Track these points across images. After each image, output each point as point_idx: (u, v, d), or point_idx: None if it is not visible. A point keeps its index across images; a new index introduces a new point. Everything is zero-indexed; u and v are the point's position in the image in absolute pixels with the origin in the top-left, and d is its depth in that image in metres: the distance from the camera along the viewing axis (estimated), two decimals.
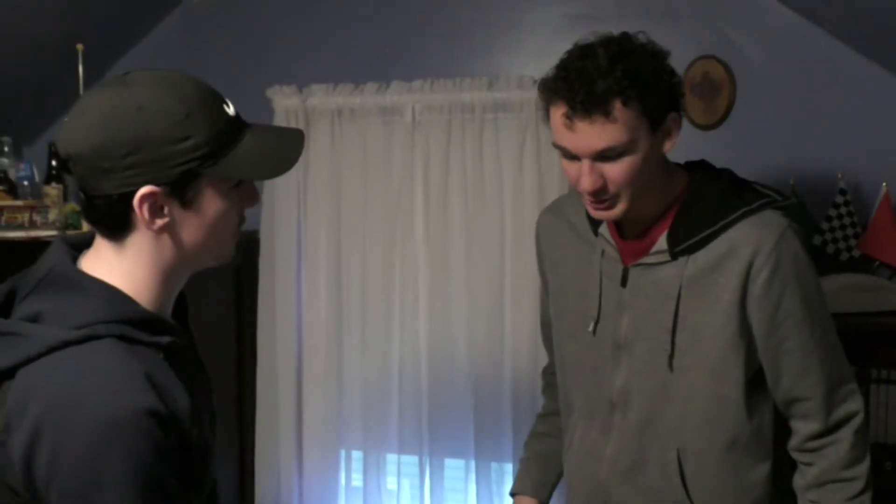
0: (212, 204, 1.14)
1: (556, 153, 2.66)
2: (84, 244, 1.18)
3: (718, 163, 2.63)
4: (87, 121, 1.08)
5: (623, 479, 1.57)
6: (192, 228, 1.15)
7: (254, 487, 3.03)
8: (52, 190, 2.67)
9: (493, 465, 2.85)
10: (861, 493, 1.51)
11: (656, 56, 1.43)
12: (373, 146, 2.89)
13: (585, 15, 2.75)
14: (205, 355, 2.95)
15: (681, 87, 1.48)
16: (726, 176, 1.57)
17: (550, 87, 1.42)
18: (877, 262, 2.50)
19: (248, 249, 3.02)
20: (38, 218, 2.61)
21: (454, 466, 2.92)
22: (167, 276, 1.18)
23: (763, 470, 1.56)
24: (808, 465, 1.54)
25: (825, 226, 2.49)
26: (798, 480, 1.56)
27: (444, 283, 2.84)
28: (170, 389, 1.08)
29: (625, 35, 1.43)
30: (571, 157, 1.44)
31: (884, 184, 2.44)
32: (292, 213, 2.97)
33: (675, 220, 1.50)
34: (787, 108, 2.62)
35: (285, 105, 2.93)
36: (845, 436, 1.52)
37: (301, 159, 2.87)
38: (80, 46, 2.47)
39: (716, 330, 1.48)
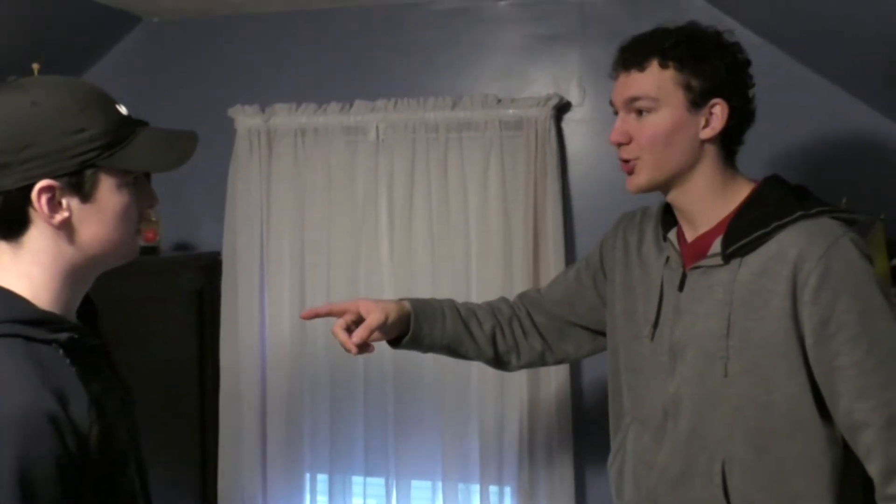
0: (110, 198, 1.16)
1: (520, 171, 2.68)
2: None
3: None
4: None
5: (671, 489, 1.54)
6: (91, 224, 1.15)
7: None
8: None
9: (461, 486, 2.82)
10: None
11: (720, 45, 1.51)
12: (336, 166, 2.88)
13: (550, 35, 2.77)
14: (167, 380, 2.92)
15: (744, 81, 1.52)
16: (793, 186, 1.56)
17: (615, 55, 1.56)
18: None
19: (210, 271, 2.99)
20: None
21: (421, 488, 2.89)
22: (68, 277, 1.16)
23: (820, 497, 1.44)
24: None
25: None
26: None
27: None
28: (68, 391, 1.06)
29: (699, 26, 1.54)
30: (616, 115, 1.54)
31: (843, 200, 2.47)
32: (255, 233, 2.93)
33: (732, 223, 1.50)
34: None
35: (248, 125, 2.91)
36: None
37: (264, 179, 2.89)
38: (35, 66, 2.42)
39: (764, 337, 1.44)
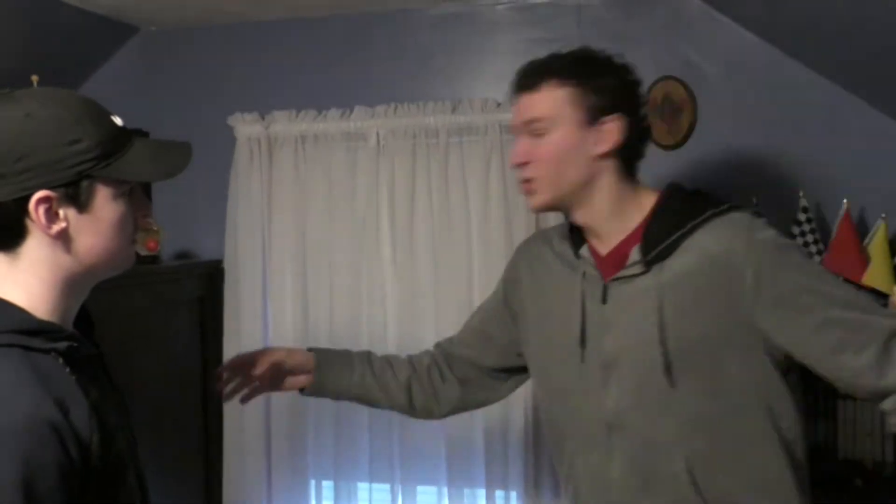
0: (107, 208, 1.16)
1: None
2: None
3: (683, 181, 2.65)
4: None
5: (638, 498, 1.55)
6: (88, 234, 1.15)
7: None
8: None
9: (466, 491, 2.82)
10: None
11: (612, 65, 1.54)
12: (337, 172, 2.88)
13: (547, 39, 2.76)
14: (170, 388, 2.91)
15: (636, 98, 1.56)
16: (695, 190, 1.61)
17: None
18: (839, 279, 2.51)
19: (211, 280, 2.99)
20: None
21: (426, 493, 2.89)
22: (66, 287, 1.17)
23: (783, 470, 1.51)
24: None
25: None
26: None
27: (411, 308, 2.82)
28: (68, 400, 1.07)
29: (591, 49, 1.57)
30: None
31: (844, 200, 2.47)
32: (256, 241, 2.93)
33: (647, 230, 1.53)
34: (748, 126, 2.65)
35: (247, 132, 2.91)
36: None
37: (265, 187, 2.89)
38: (34, 78, 2.43)
39: (704, 333, 1.47)
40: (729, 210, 1.52)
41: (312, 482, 2.97)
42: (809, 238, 2.49)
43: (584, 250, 1.61)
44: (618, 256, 1.55)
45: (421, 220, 2.81)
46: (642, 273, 1.51)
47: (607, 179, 1.55)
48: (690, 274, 1.48)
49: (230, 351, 2.95)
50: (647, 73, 2.65)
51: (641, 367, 1.50)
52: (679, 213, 1.52)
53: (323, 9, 2.86)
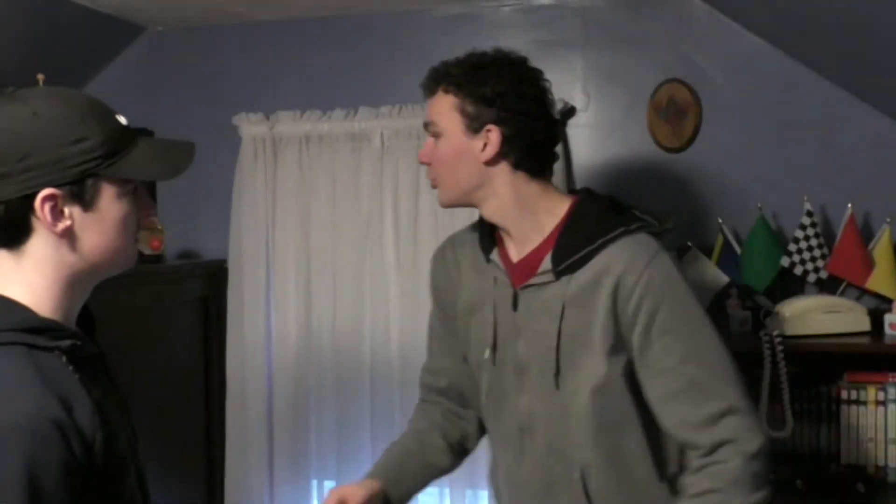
0: (111, 207, 1.17)
1: None
2: None
3: (687, 184, 2.66)
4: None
5: (543, 501, 1.61)
6: (93, 232, 1.16)
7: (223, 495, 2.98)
8: None
9: (468, 491, 2.82)
10: None
11: (501, 72, 1.56)
12: (341, 173, 2.88)
13: (552, 41, 2.77)
14: (173, 387, 2.92)
15: (524, 104, 1.56)
16: (607, 200, 1.63)
17: None
18: (844, 283, 2.52)
19: (215, 279, 2.99)
20: None
21: (428, 493, 2.88)
22: (69, 285, 1.17)
23: (657, 479, 1.57)
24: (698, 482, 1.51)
25: (793, 247, 2.50)
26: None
27: (414, 309, 2.81)
28: (72, 398, 1.07)
29: (505, 56, 1.60)
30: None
31: (849, 205, 2.47)
32: (260, 241, 2.94)
33: (558, 241, 1.55)
34: (753, 129, 2.64)
35: (252, 132, 2.91)
36: (729, 457, 1.47)
37: (269, 187, 2.89)
38: (40, 76, 2.43)
39: (594, 347, 1.52)
40: (639, 230, 1.55)
41: (314, 482, 2.97)
42: (813, 242, 2.48)
43: (494, 254, 1.64)
44: (530, 263, 1.58)
45: (424, 221, 2.80)
46: (552, 281, 1.55)
47: (504, 183, 1.58)
48: (590, 287, 1.52)
49: (233, 351, 2.96)
50: (651, 76, 2.68)
51: (544, 373, 1.55)
52: (592, 226, 1.55)
53: (328, 9, 2.86)
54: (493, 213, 1.61)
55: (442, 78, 1.59)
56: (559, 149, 2.63)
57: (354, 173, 2.87)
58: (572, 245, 1.53)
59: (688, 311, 1.51)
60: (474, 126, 1.55)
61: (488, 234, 1.67)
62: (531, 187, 1.59)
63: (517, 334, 1.59)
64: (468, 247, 1.72)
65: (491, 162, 1.56)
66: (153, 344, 2.66)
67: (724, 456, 1.46)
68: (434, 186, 1.64)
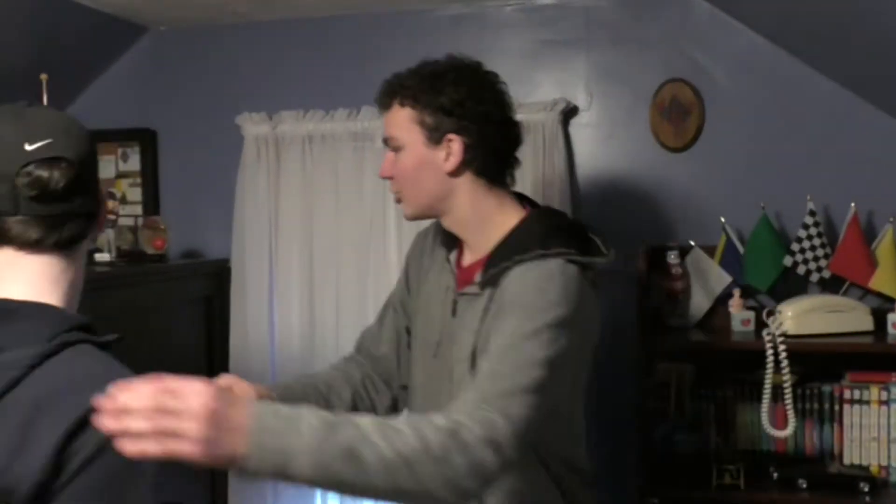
0: None
1: (527, 176, 2.68)
2: None
3: (690, 184, 2.65)
4: (75, 134, 1.12)
5: None
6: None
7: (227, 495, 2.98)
8: None
9: None
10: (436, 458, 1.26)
11: (456, 82, 1.53)
12: (344, 172, 2.88)
13: (555, 41, 2.77)
14: None
15: (483, 112, 1.54)
16: (556, 221, 1.59)
17: None
18: (847, 283, 2.52)
19: (218, 279, 2.99)
20: None
21: None
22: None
23: (547, 484, 1.56)
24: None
25: (795, 247, 2.50)
26: None
27: None
28: None
29: (458, 62, 1.57)
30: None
31: (852, 204, 2.46)
32: (263, 240, 2.94)
33: (492, 253, 1.55)
34: (757, 129, 2.64)
35: (255, 132, 2.92)
36: (473, 422, 1.30)
37: (272, 186, 2.90)
38: (44, 76, 2.44)
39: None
40: (557, 255, 1.48)
41: None
42: (817, 241, 2.48)
43: (452, 256, 1.66)
44: (471, 272, 1.59)
45: (427, 220, 2.79)
46: (479, 294, 1.54)
47: (465, 194, 1.57)
48: (491, 300, 1.50)
49: (237, 350, 2.96)
50: (654, 75, 2.67)
51: (464, 382, 1.51)
52: (518, 244, 1.52)
53: (331, 9, 2.86)
54: (452, 222, 1.62)
55: (397, 91, 1.57)
56: (563, 148, 2.67)
57: (357, 172, 2.87)
58: (497, 260, 1.53)
59: (540, 312, 1.42)
60: (435, 137, 1.54)
61: (452, 236, 1.67)
62: (489, 200, 1.59)
63: (452, 340, 1.59)
64: (439, 242, 1.72)
65: (454, 172, 1.56)
66: (156, 342, 2.66)
67: (469, 421, 1.31)
68: (398, 201, 1.64)
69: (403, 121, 1.56)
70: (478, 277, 1.55)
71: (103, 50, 3.04)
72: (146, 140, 3.07)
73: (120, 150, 3.09)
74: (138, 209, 3.08)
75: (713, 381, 2.54)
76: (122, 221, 3.07)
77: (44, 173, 1.07)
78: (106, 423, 0.96)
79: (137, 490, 1.00)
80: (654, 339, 2.49)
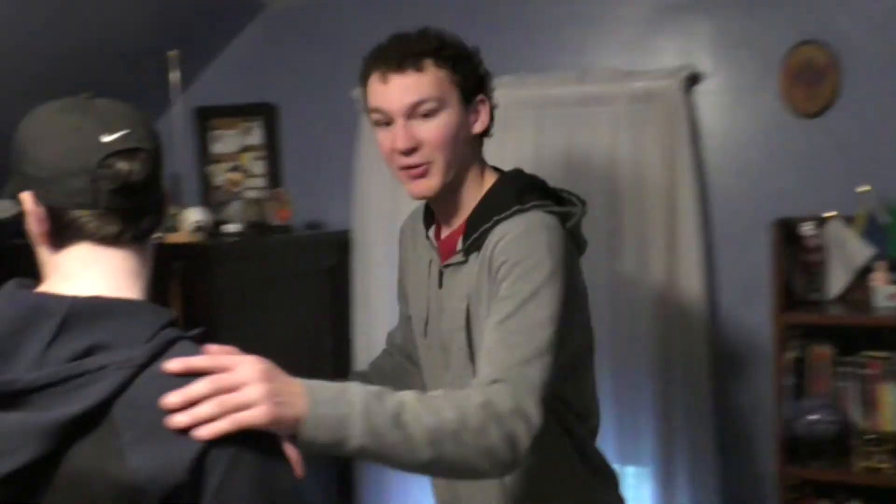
0: None
1: (650, 146, 2.60)
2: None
3: (824, 151, 2.53)
4: (147, 125, 1.09)
5: (467, 484, 1.61)
6: None
7: (355, 491, 3.05)
8: None
9: None
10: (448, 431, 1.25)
11: (468, 49, 1.57)
12: None
13: (677, 5, 2.67)
14: (301, 357, 2.98)
15: (489, 80, 1.59)
16: (524, 180, 1.58)
17: (367, 61, 1.58)
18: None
19: (341, 249, 3.04)
20: None
21: None
22: None
23: (577, 468, 1.59)
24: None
25: None
26: None
27: None
28: None
29: (437, 31, 1.58)
30: (386, 123, 1.52)
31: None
32: (384, 211, 2.95)
33: (469, 219, 1.55)
34: None
35: None
36: (499, 395, 1.31)
37: None
38: (173, 53, 2.52)
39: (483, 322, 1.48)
40: (533, 209, 1.49)
41: None
42: None
43: (430, 233, 1.65)
44: (452, 242, 1.58)
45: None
46: (464, 262, 1.54)
47: (475, 159, 1.59)
48: (481, 264, 1.49)
49: (360, 320, 3.01)
50: (786, 37, 2.55)
51: (461, 353, 1.55)
52: (494, 205, 1.52)
53: None
54: (453, 195, 1.58)
55: (430, 52, 1.52)
56: (687, 116, 2.59)
57: None
58: (476, 225, 1.52)
59: (532, 271, 1.42)
60: (470, 98, 1.54)
61: (429, 211, 1.67)
62: (482, 164, 1.61)
63: (441, 312, 1.60)
64: (418, 221, 1.73)
65: (476, 137, 1.57)
66: (282, 313, 2.73)
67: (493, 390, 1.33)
68: (419, 175, 1.53)
69: (443, 81, 1.51)
70: (460, 245, 1.55)
71: (223, 28, 3.12)
72: (267, 114, 3.14)
73: (243, 125, 3.18)
74: (261, 182, 3.16)
75: (854, 358, 2.45)
76: (248, 194, 3.16)
77: (124, 165, 1.03)
78: (179, 421, 0.96)
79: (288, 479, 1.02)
80: (788, 315, 2.40)
